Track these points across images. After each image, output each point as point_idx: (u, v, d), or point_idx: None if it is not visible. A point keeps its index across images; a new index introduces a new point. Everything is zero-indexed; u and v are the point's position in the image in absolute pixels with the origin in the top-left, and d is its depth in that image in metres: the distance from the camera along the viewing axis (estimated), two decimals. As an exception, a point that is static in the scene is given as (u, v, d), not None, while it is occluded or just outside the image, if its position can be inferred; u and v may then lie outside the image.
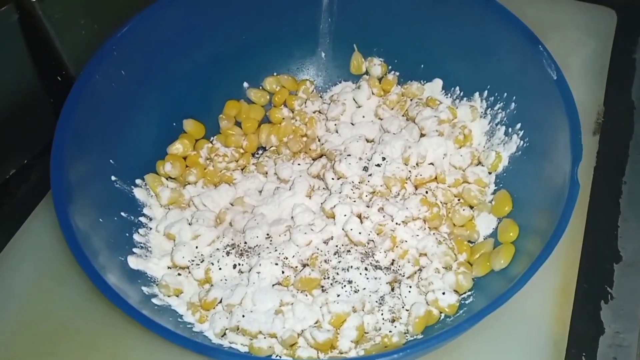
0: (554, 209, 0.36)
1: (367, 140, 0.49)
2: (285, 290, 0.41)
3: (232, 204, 0.48)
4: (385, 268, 0.42)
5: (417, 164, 0.46)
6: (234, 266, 0.43)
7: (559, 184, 0.37)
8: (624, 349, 0.44)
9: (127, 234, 0.44)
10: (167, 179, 0.48)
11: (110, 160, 0.44)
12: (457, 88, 0.49)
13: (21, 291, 0.47)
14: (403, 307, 0.41)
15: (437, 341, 0.33)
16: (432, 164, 0.47)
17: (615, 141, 0.52)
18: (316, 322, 0.40)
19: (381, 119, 0.50)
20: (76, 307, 0.45)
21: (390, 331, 0.40)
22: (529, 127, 0.43)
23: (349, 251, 0.43)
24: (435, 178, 0.46)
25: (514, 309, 0.39)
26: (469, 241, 0.44)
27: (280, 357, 0.38)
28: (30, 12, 0.48)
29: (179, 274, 0.44)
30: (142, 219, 0.45)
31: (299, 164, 0.49)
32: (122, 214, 0.44)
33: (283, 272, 0.42)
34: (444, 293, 0.40)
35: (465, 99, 0.49)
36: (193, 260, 0.44)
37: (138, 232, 0.44)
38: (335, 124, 0.51)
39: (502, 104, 0.46)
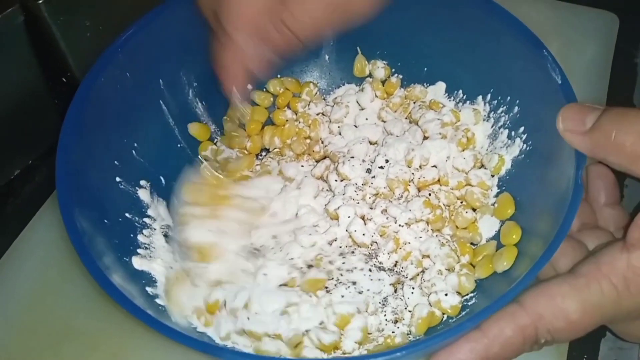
0: (557, 212, 0.36)
1: (370, 143, 0.49)
2: (291, 291, 0.41)
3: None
4: (389, 269, 0.43)
5: (420, 167, 0.47)
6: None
7: (563, 187, 0.37)
8: (625, 351, 0.44)
9: (132, 235, 0.44)
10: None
11: (115, 162, 0.45)
12: (460, 91, 0.50)
13: (25, 291, 0.47)
14: (406, 309, 0.41)
15: (439, 340, 0.33)
16: (435, 167, 0.47)
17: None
18: (321, 323, 0.40)
19: (384, 122, 0.51)
20: (80, 307, 0.45)
21: (393, 332, 0.40)
22: (532, 131, 0.44)
23: (353, 252, 0.43)
24: (438, 180, 0.46)
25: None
26: (472, 243, 0.44)
27: (285, 357, 0.38)
28: (36, 13, 0.48)
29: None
30: (146, 219, 0.46)
31: (302, 166, 0.50)
32: (127, 215, 0.44)
33: (289, 273, 0.42)
34: (446, 294, 0.40)
35: (468, 102, 0.49)
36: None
37: (142, 233, 0.45)
38: (339, 126, 0.51)
39: (505, 107, 0.46)
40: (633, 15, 0.60)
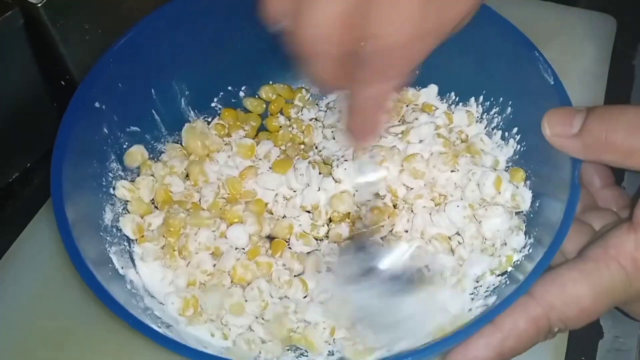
0: (555, 213, 0.36)
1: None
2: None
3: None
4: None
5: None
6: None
7: (559, 187, 0.37)
8: (623, 353, 0.44)
9: (126, 242, 0.44)
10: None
11: (111, 167, 0.45)
12: (453, 93, 0.50)
13: (24, 293, 0.47)
14: None
15: (454, 340, 0.33)
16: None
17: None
18: None
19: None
20: (79, 309, 0.45)
21: None
22: (526, 132, 0.44)
23: None
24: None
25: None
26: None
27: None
28: (36, 17, 0.48)
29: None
30: None
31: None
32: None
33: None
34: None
35: (460, 104, 0.49)
36: None
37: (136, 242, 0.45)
38: (332, 131, 0.51)
39: (498, 108, 0.46)
40: (630, 17, 0.61)
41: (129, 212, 0.45)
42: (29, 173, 0.56)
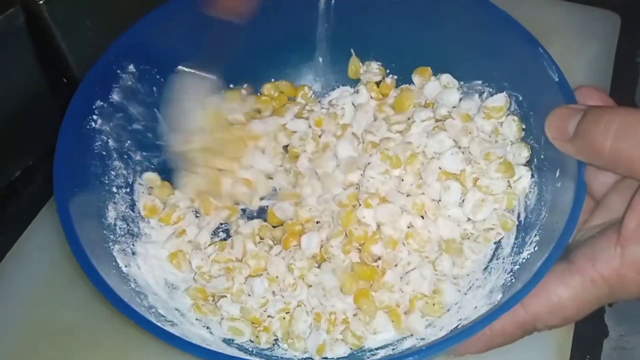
0: (562, 209, 0.36)
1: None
2: None
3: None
4: None
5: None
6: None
7: (566, 183, 0.37)
8: (628, 351, 0.44)
9: (131, 239, 0.44)
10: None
11: (114, 164, 0.45)
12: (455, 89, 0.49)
13: (27, 291, 0.47)
14: None
15: (451, 342, 0.34)
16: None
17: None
18: None
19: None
20: (82, 307, 0.46)
21: None
22: (530, 128, 0.43)
23: None
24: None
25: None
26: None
27: None
28: (37, 14, 0.48)
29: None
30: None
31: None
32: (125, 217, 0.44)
33: None
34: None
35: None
36: None
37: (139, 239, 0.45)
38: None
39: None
40: (634, 14, 0.60)
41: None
42: (31, 171, 0.56)
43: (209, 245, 0.45)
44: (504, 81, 0.46)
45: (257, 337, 0.41)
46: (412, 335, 0.41)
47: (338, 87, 0.53)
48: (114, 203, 0.44)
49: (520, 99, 0.44)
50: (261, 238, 0.46)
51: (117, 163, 0.45)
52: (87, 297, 0.45)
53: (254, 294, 0.42)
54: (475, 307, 0.40)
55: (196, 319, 0.42)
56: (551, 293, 0.34)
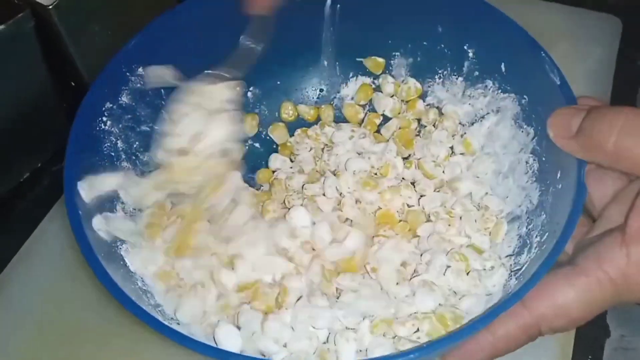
0: (561, 211, 0.36)
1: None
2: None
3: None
4: None
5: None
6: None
7: (566, 187, 0.37)
8: (629, 352, 0.45)
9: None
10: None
11: (122, 166, 0.45)
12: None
13: (36, 292, 0.48)
14: None
15: (453, 340, 0.33)
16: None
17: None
18: None
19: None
20: (90, 307, 0.46)
21: None
22: (533, 131, 0.44)
23: None
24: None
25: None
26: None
27: None
28: (46, 19, 0.49)
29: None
30: None
31: None
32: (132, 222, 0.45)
33: None
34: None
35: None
36: None
37: None
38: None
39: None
40: (636, 18, 0.61)
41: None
42: (39, 173, 0.56)
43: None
44: (507, 84, 0.46)
45: None
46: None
47: (344, 87, 0.53)
48: (122, 203, 0.44)
49: (524, 101, 0.45)
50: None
51: (126, 164, 0.45)
52: (95, 297, 0.46)
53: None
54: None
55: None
56: (556, 295, 0.34)
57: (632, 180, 0.36)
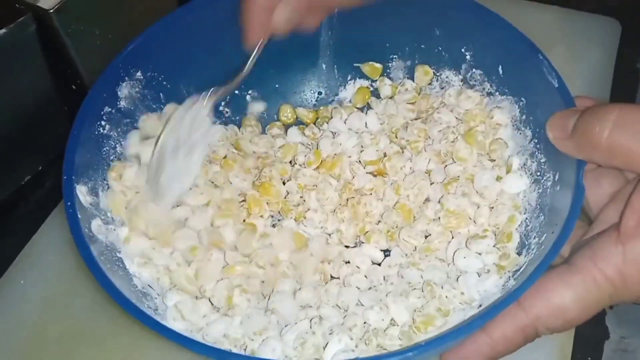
0: (559, 211, 0.36)
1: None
2: None
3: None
4: None
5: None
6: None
7: (564, 188, 0.38)
8: (629, 354, 0.45)
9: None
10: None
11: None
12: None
13: (36, 293, 0.48)
14: None
15: (448, 339, 0.33)
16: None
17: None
18: None
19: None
20: (91, 309, 0.46)
21: None
22: (531, 134, 0.44)
23: None
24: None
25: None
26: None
27: None
28: (47, 22, 0.49)
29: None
30: None
31: None
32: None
33: None
34: None
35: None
36: None
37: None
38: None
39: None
40: (635, 21, 0.61)
41: None
42: (41, 176, 0.56)
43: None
44: (505, 87, 0.46)
45: None
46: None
47: (342, 90, 0.54)
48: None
49: (521, 104, 0.45)
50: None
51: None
52: (96, 298, 0.46)
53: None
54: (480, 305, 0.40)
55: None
56: (552, 294, 0.33)
57: (629, 182, 0.36)
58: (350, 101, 0.53)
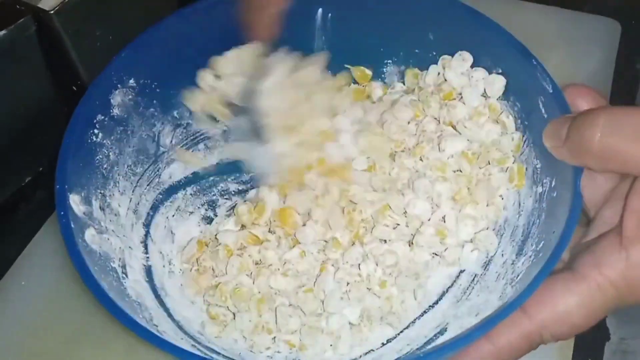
0: (557, 220, 0.36)
1: None
2: None
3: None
4: None
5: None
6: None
7: (561, 195, 0.37)
8: (629, 355, 0.45)
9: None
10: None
11: (116, 176, 0.45)
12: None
13: (37, 294, 0.48)
14: None
15: (450, 349, 0.33)
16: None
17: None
18: None
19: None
20: (91, 310, 0.46)
21: None
22: (526, 140, 0.44)
23: None
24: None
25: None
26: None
27: None
28: (48, 23, 0.49)
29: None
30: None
31: None
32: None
33: None
34: None
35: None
36: None
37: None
38: None
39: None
40: (635, 22, 0.61)
41: None
42: (41, 177, 0.57)
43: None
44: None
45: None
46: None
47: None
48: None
49: (517, 109, 0.45)
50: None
51: (118, 177, 0.45)
52: (95, 301, 0.46)
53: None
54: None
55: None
56: (557, 301, 0.33)
57: (624, 179, 0.36)
58: None
